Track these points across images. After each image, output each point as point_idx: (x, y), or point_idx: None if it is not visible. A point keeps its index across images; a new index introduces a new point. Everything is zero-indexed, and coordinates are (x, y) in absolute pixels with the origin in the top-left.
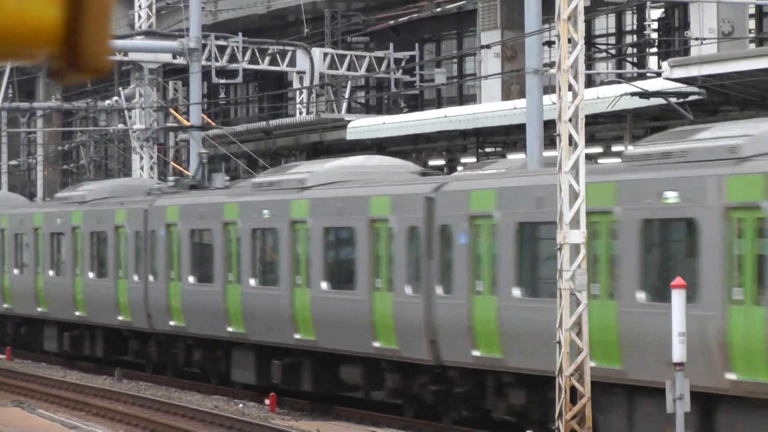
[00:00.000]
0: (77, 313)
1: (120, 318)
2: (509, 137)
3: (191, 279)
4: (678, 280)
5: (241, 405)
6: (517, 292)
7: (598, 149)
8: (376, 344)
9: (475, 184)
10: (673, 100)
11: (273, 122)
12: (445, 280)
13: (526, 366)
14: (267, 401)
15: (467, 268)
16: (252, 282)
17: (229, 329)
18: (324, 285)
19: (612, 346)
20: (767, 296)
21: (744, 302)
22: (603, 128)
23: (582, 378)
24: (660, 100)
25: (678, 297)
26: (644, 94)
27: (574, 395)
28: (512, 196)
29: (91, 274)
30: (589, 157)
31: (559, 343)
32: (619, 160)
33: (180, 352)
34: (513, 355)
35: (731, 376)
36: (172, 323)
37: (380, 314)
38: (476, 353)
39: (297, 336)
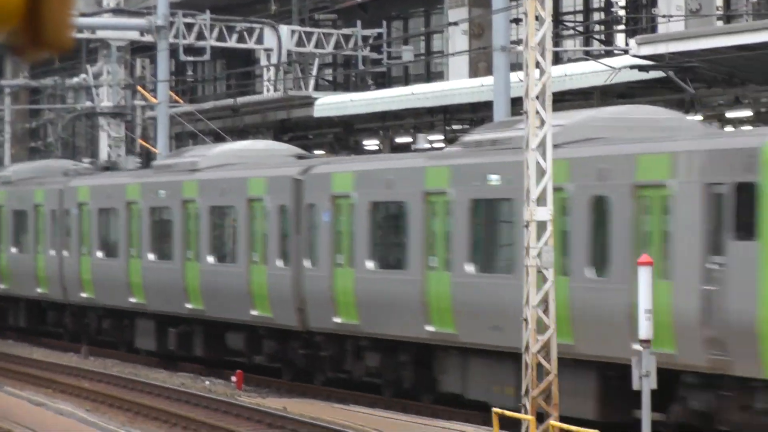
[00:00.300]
0: (2, 286)
1: (39, 290)
2: (476, 114)
3: (99, 254)
4: (644, 257)
5: (207, 382)
6: (370, 264)
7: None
8: (254, 312)
9: (337, 167)
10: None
11: (240, 100)
12: (311, 254)
13: (379, 331)
14: (233, 378)
15: (330, 243)
16: (151, 256)
17: (132, 300)
18: (210, 259)
19: (446, 313)
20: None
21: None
22: (571, 105)
23: (548, 355)
24: (627, 77)
25: (644, 274)
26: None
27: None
28: (366, 179)
29: (14, 250)
30: None
31: (526, 320)
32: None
33: (92, 322)
34: (368, 322)
35: (430, 328)
36: (83, 295)
37: (257, 285)
38: (337, 320)
39: (189, 306)
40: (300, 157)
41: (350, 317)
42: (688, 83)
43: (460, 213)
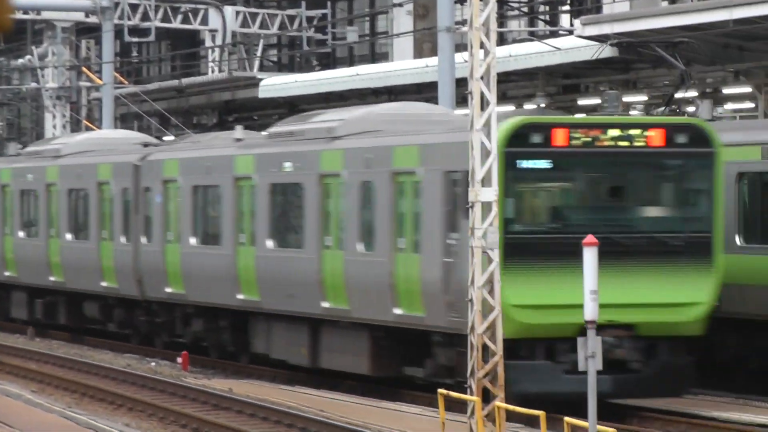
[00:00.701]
0: None
1: None
2: (421, 95)
3: None
4: (590, 238)
5: (153, 363)
6: (193, 241)
7: (511, 107)
8: (104, 284)
9: (167, 155)
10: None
11: (185, 80)
12: (147, 232)
13: (201, 299)
14: (179, 360)
15: (161, 222)
16: (21, 234)
17: (6, 273)
18: (68, 236)
19: (252, 283)
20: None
21: (332, 248)
22: (515, 86)
23: (494, 336)
24: (572, 58)
25: (589, 254)
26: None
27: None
28: (189, 166)
29: None
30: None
31: (471, 301)
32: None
33: None
34: (192, 291)
35: (325, 304)
36: None
37: (105, 259)
38: (168, 290)
39: (51, 278)
40: (146, 144)
41: (178, 287)
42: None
43: (262, 195)
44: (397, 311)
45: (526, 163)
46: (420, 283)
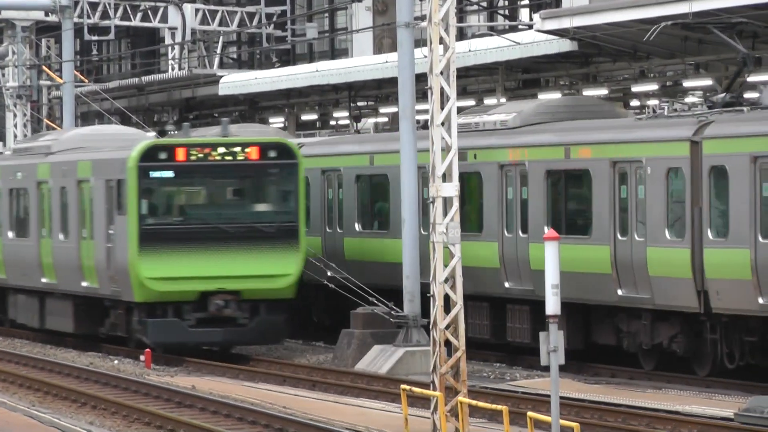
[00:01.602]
0: None
1: None
2: (381, 91)
3: None
4: (551, 233)
5: (116, 361)
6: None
7: (471, 102)
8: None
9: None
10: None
11: (145, 78)
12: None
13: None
14: (142, 357)
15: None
16: (10, 234)
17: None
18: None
19: (1, 266)
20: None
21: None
22: (475, 81)
23: (456, 331)
24: (532, 52)
25: (551, 249)
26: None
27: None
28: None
29: None
30: (461, 110)
31: (433, 296)
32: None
33: None
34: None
35: (44, 279)
36: None
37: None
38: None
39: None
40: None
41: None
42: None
43: (3, 197)
44: (84, 284)
45: (154, 174)
46: (94, 262)
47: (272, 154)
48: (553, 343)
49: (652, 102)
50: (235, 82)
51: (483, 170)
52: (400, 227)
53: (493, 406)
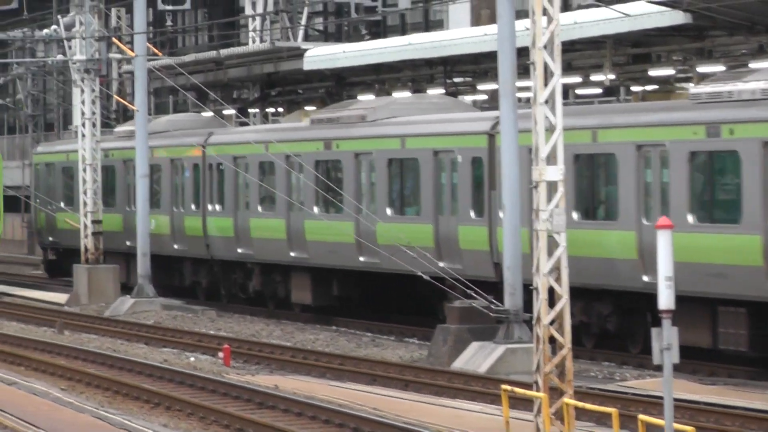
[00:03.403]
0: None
1: None
2: (479, 66)
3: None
4: (663, 220)
5: (192, 358)
6: None
7: (577, 78)
8: None
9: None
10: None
11: (224, 52)
12: None
13: None
14: (221, 354)
15: None
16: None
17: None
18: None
19: None
20: None
21: None
22: (581, 56)
23: (562, 327)
24: (642, 25)
25: (663, 238)
26: None
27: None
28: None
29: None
30: (567, 88)
31: (536, 289)
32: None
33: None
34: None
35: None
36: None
37: None
38: None
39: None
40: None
41: None
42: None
43: None
44: None
45: None
46: None
47: None
48: (666, 341)
49: None
50: (321, 56)
51: (742, 148)
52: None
53: (602, 409)
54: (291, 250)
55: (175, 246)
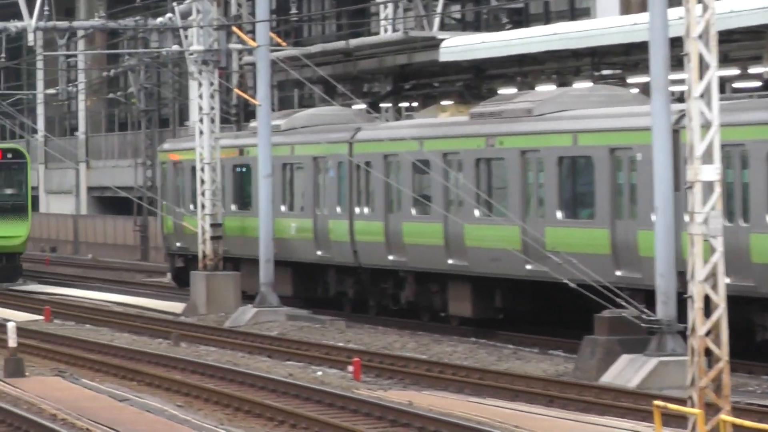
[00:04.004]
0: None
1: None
2: (629, 58)
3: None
4: None
5: (319, 373)
6: None
7: (734, 71)
8: None
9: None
10: None
11: (353, 42)
12: None
13: None
14: (350, 368)
15: None
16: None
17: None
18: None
19: None
20: None
21: None
22: (738, 47)
23: (718, 338)
24: None
25: None
26: None
27: None
28: None
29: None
30: (724, 81)
31: (691, 298)
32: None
33: None
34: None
35: None
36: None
37: None
38: None
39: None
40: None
41: None
42: None
43: None
44: None
45: None
46: None
47: (9, 155)
48: None
49: None
50: (459, 46)
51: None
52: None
53: (761, 426)
54: (449, 257)
55: (318, 252)
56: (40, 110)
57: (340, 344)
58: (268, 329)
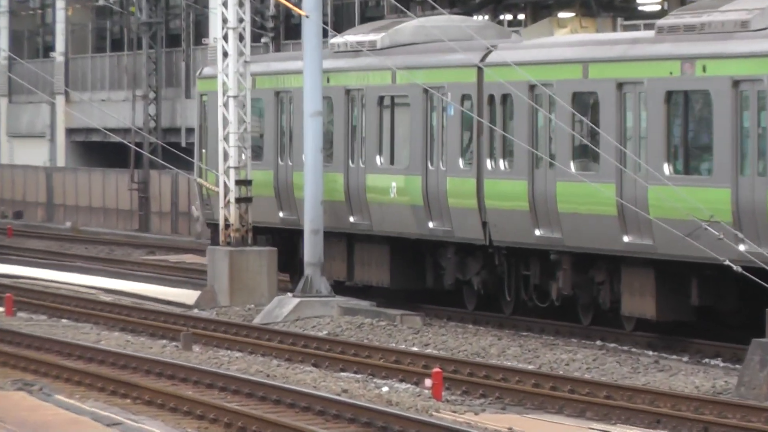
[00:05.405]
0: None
1: None
2: None
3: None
4: None
5: (385, 388)
6: None
7: None
8: None
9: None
10: None
11: None
12: None
13: None
14: (428, 382)
15: None
16: None
17: None
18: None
19: None
20: None
21: None
22: None
23: None
24: None
25: None
26: None
27: None
28: None
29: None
30: None
31: None
32: None
33: None
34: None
35: None
36: None
37: None
38: None
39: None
40: None
41: None
42: None
43: None
44: None
45: None
46: None
47: None
48: None
49: None
50: None
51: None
52: None
53: None
54: (624, 233)
55: (430, 224)
56: (3, 22)
57: (415, 349)
58: (315, 328)
